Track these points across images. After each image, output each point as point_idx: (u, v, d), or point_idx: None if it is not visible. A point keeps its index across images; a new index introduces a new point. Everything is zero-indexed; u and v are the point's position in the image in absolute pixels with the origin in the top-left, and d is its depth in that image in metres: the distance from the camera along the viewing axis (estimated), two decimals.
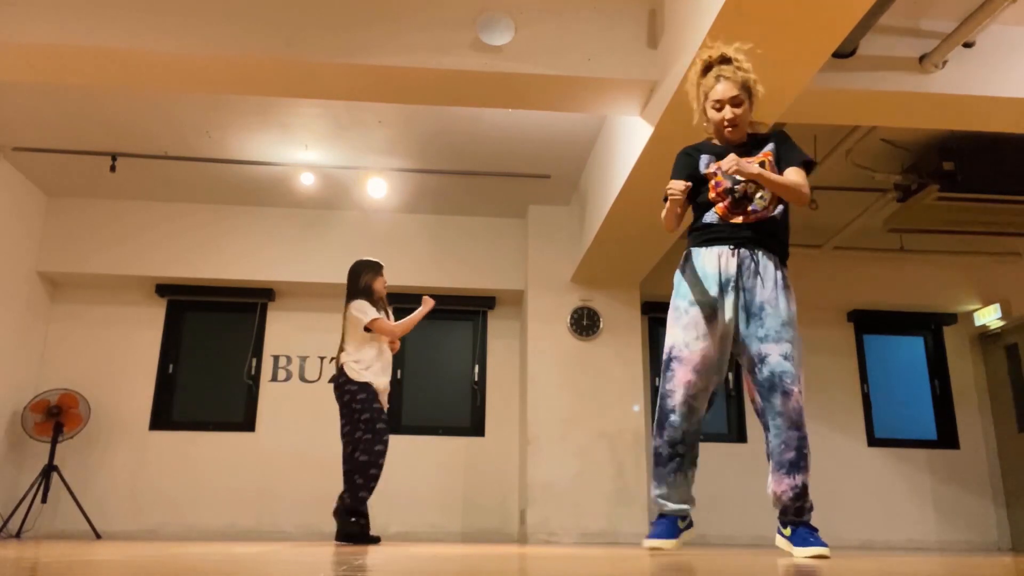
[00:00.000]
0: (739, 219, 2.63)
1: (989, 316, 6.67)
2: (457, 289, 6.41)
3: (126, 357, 6.22)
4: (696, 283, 2.65)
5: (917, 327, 6.95)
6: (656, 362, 6.28)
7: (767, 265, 2.62)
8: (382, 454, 4.21)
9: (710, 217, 2.68)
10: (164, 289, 6.33)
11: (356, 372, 4.29)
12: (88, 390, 5.95)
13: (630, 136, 4.36)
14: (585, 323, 6.01)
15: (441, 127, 5.18)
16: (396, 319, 4.53)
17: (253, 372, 6.30)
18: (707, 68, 2.66)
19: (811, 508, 2.54)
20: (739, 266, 2.61)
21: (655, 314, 6.44)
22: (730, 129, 2.65)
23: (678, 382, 2.61)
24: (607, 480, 5.67)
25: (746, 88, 2.62)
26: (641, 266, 5.73)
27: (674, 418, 2.61)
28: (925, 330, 6.97)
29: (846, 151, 4.95)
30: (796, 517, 2.52)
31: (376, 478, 4.20)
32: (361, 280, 4.45)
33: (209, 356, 6.37)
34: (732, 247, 2.62)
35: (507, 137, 5.28)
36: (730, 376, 6.55)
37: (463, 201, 6.25)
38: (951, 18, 3.72)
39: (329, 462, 5.35)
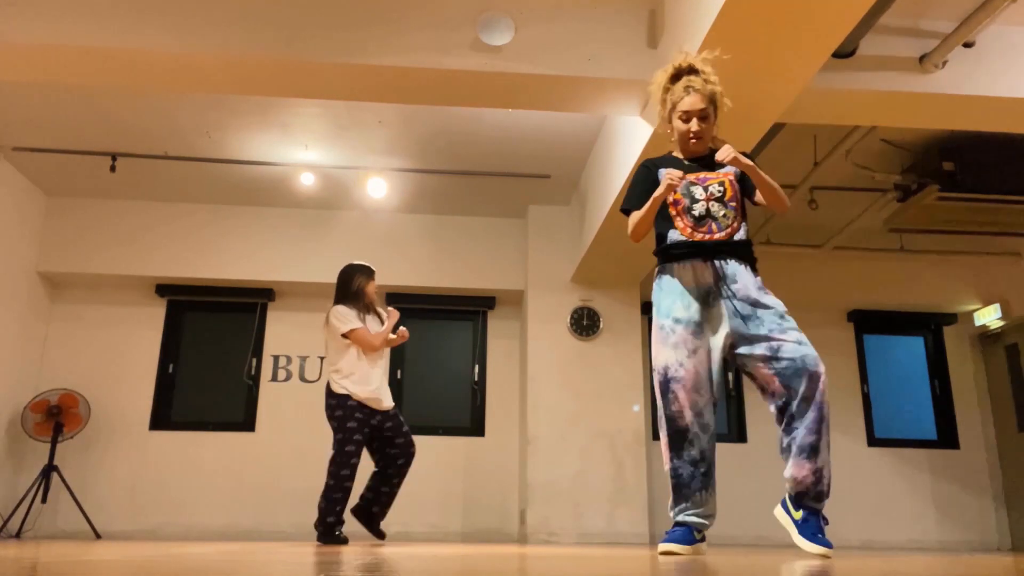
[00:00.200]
0: (701, 237, 2.65)
1: (989, 316, 6.67)
2: (457, 289, 6.41)
3: (126, 357, 6.22)
4: (676, 299, 2.66)
5: (917, 327, 6.95)
6: None
7: (741, 271, 2.64)
8: (348, 478, 4.14)
9: (675, 235, 2.70)
10: (164, 289, 6.33)
11: (334, 382, 4.26)
12: (88, 390, 5.95)
13: (630, 136, 4.36)
14: (585, 323, 6.01)
15: (441, 127, 5.18)
16: (399, 320, 4.52)
17: (253, 372, 6.31)
18: (676, 76, 2.69)
19: (828, 494, 2.51)
20: (715, 276, 2.63)
21: None
22: (695, 141, 2.70)
23: (683, 402, 2.60)
24: (607, 480, 5.67)
25: (712, 101, 2.67)
26: (641, 266, 5.72)
27: (691, 437, 2.60)
28: (925, 330, 6.97)
29: (846, 151, 4.94)
30: (815, 502, 2.50)
31: (341, 502, 4.14)
32: (353, 284, 4.42)
33: (209, 356, 6.37)
34: (704, 259, 2.65)
35: (507, 137, 5.28)
36: (730, 376, 6.55)
37: (463, 201, 6.25)
38: (951, 18, 3.72)
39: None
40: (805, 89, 3.60)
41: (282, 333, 6.40)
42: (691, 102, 2.65)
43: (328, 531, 4.14)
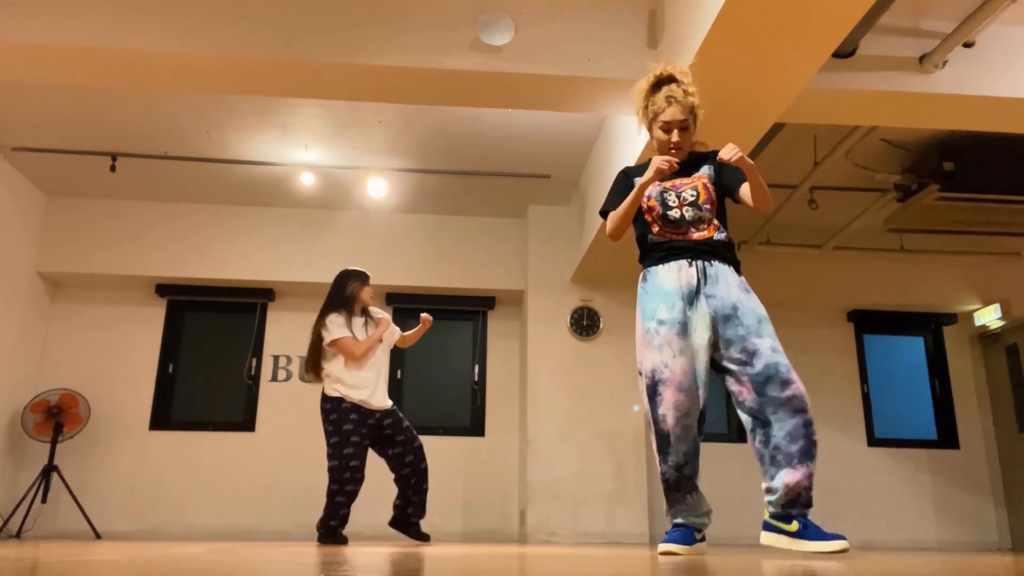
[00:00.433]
0: (679, 239, 2.69)
1: (989, 316, 6.66)
2: (457, 289, 6.41)
3: (126, 357, 6.22)
4: (660, 301, 2.66)
5: (917, 327, 6.95)
6: None
7: (725, 271, 2.66)
8: (349, 481, 4.12)
9: (655, 238, 2.74)
10: (164, 289, 6.33)
11: (327, 386, 4.27)
12: (88, 390, 5.95)
13: (630, 136, 4.36)
14: (585, 323, 6.02)
15: (441, 127, 5.18)
16: (400, 319, 4.53)
17: (253, 372, 6.31)
18: (656, 85, 2.74)
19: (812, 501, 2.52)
20: (698, 276, 2.64)
21: None
22: (675, 151, 2.73)
23: (668, 405, 2.59)
24: (607, 480, 5.67)
25: (692, 113, 2.72)
26: (641, 266, 5.72)
27: (674, 441, 2.60)
28: (925, 330, 6.97)
29: (846, 151, 4.94)
30: (804, 508, 2.49)
31: (345, 505, 4.14)
32: (348, 289, 4.40)
33: (209, 356, 6.37)
34: (688, 260, 2.66)
35: (507, 137, 5.28)
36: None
37: (463, 201, 6.25)
38: (951, 18, 3.72)
39: None
40: (805, 89, 3.60)
41: (282, 333, 6.40)
42: (672, 113, 2.69)
43: (329, 532, 4.15)
